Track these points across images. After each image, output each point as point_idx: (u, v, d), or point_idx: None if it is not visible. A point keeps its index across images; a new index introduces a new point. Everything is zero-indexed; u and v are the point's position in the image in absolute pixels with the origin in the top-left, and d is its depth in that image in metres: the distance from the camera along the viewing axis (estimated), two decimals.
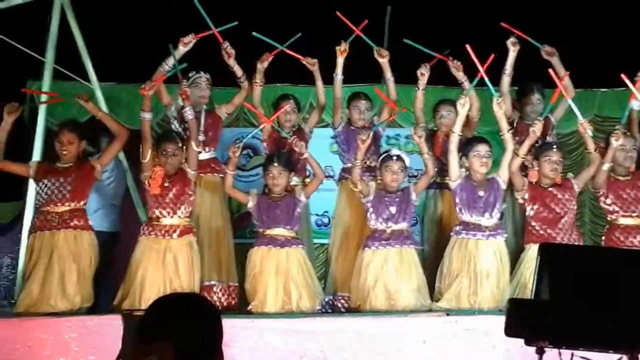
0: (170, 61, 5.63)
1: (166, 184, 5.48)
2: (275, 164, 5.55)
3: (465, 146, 5.63)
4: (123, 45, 7.73)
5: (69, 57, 6.97)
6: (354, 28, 5.92)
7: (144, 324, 2.12)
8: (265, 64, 5.91)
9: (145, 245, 5.44)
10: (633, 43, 7.13)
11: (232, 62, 5.87)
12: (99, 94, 6.86)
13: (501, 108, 5.47)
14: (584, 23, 8.04)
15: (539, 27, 6.13)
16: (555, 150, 5.57)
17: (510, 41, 5.81)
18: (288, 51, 5.91)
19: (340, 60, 5.97)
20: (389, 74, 6.00)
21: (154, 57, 5.73)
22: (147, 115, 5.52)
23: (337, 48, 5.94)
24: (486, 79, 5.51)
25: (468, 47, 5.46)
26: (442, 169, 5.82)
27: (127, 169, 6.79)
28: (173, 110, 5.89)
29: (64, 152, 5.53)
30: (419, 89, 5.96)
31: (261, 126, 5.92)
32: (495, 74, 5.86)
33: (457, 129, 5.50)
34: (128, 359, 2.14)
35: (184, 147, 5.56)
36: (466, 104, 5.50)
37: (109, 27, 7.68)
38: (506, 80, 5.91)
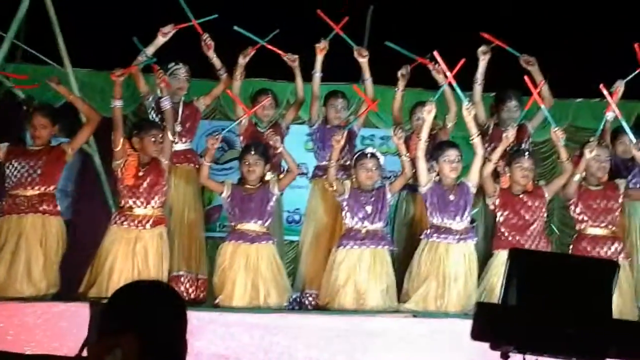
0: (147, 52, 5.61)
1: (140, 174, 5.45)
2: (252, 152, 5.56)
3: (436, 151, 5.65)
4: (100, 31, 7.66)
5: (42, 40, 6.91)
6: (334, 26, 5.93)
7: (108, 313, 2.10)
8: (247, 59, 5.91)
9: (116, 235, 5.40)
10: (609, 54, 7.19)
11: (211, 54, 5.87)
12: (72, 79, 6.80)
13: (470, 113, 5.50)
14: (561, 33, 8.10)
15: (517, 36, 6.16)
16: (526, 157, 5.60)
17: (480, 50, 5.85)
18: (269, 46, 5.90)
19: (319, 58, 6.00)
20: (367, 74, 6.03)
21: (130, 45, 5.70)
22: (118, 103, 5.48)
23: (317, 45, 5.95)
24: (454, 84, 5.55)
25: (436, 53, 5.52)
26: (416, 171, 5.84)
27: (94, 153, 6.73)
28: (151, 101, 5.87)
29: (36, 136, 5.48)
30: (398, 89, 5.98)
31: (241, 118, 5.90)
32: (471, 80, 5.92)
33: (424, 135, 5.51)
34: (93, 349, 2.11)
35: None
36: (432, 111, 5.51)
37: (85, 13, 7.61)
38: (478, 89, 5.95)
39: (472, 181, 5.57)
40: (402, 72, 5.95)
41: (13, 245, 5.31)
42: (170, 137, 5.54)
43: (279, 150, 5.67)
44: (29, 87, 6.59)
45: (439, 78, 5.80)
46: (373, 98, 6.05)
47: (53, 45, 6.90)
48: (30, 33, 6.80)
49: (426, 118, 5.54)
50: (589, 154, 5.53)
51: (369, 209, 5.55)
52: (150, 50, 5.67)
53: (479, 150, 5.54)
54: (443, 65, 5.54)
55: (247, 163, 5.57)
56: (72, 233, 6.10)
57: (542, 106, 5.75)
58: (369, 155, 5.61)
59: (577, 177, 5.60)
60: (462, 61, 5.52)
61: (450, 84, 5.64)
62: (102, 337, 2.03)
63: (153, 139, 5.47)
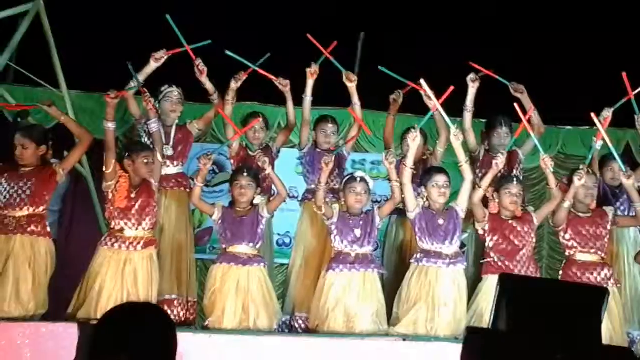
0: (139, 78, 5.63)
1: (132, 195, 5.44)
2: (245, 174, 5.57)
3: (424, 176, 5.67)
4: (90, 54, 7.70)
5: (33, 62, 6.93)
6: (323, 50, 5.96)
7: (98, 335, 2.09)
8: (239, 83, 5.93)
9: (105, 256, 5.38)
10: (598, 82, 7.27)
11: (204, 79, 5.88)
12: (68, 101, 6.82)
13: (458, 139, 5.51)
14: (550, 61, 8.19)
15: (507, 64, 6.22)
16: (515, 183, 5.62)
17: (469, 78, 5.89)
18: (260, 71, 5.93)
19: (310, 82, 6.02)
20: (356, 99, 6.04)
21: (121, 67, 5.71)
22: (111, 125, 5.47)
23: (308, 70, 5.98)
24: (442, 111, 5.58)
25: (422, 81, 5.55)
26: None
27: (88, 175, 6.72)
28: (144, 124, 5.86)
29: (17, 156, 5.45)
30: (390, 114, 6.01)
31: (232, 138, 5.91)
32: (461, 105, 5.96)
33: (409, 162, 5.51)
34: None
35: None
36: (417, 138, 5.53)
37: (76, 36, 7.64)
38: (467, 116, 5.98)
39: (461, 205, 5.58)
40: (394, 97, 6.00)
41: (1, 266, 5.27)
42: (160, 159, 5.55)
43: (267, 172, 5.68)
44: (22, 107, 6.59)
45: (431, 104, 5.83)
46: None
47: (44, 67, 6.92)
48: (22, 55, 6.80)
49: (410, 145, 5.55)
50: (578, 181, 5.55)
51: (357, 232, 5.54)
52: (142, 76, 5.68)
53: (468, 176, 5.56)
54: (430, 92, 5.58)
55: (239, 185, 5.57)
56: (59, 252, 6.10)
57: (531, 134, 5.78)
58: (358, 179, 5.62)
59: (566, 204, 5.62)
60: (451, 88, 5.54)
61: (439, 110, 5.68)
62: (93, 359, 2.03)
63: (145, 161, 5.47)
